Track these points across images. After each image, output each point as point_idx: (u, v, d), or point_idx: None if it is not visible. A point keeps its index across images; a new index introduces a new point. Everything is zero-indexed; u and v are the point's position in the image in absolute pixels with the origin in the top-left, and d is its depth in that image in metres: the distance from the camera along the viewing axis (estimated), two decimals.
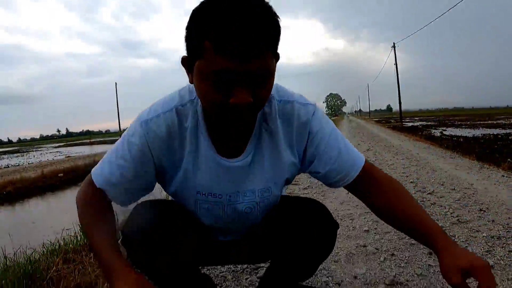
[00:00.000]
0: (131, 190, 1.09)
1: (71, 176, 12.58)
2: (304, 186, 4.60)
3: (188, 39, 0.87)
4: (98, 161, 1.13)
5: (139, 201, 1.18)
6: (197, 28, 0.84)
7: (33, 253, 2.83)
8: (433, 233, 1.04)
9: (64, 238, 3.30)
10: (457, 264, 0.95)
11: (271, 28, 0.84)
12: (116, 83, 42.38)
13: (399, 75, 31.60)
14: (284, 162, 1.12)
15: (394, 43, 32.61)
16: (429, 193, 3.73)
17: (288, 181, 1.19)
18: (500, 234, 2.33)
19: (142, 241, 1.07)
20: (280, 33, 0.87)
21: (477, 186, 3.98)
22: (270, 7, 0.85)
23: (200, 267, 1.39)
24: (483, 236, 2.32)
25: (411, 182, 4.47)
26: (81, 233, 3.34)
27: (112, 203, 1.12)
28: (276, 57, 0.90)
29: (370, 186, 1.15)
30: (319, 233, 1.18)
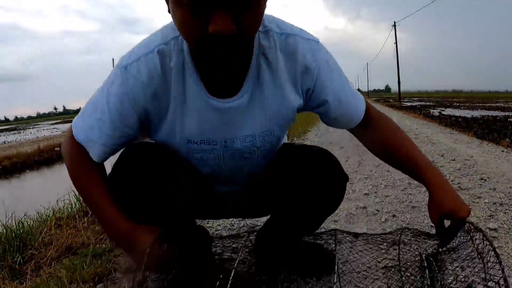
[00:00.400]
0: (110, 145, 1.00)
1: None
2: None
3: None
4: None
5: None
6: None
7: (26, 219, 2.79)
8: (426, 172, 1.08)
9: (58, 206, 3.27)
10: (440, 209, 1.05)
11: None
12: (113, 59, 42.00)
13: (398, 56, 31.40)
14: (289, 100, 1.01)
15: (394, 22, 32.29)
16: None
17: (291, 122, 1.10)
18: (502, 201, 2.28)
19: (130, 187, 0.98)
20: None
21: (477, 158, 3.94)
22: None
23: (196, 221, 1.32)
24: (485, 202, 2.27)
25: None
26: (75, 200, 3.30)
27: None
28: None
29: (367, 126, 1.16)
30: (327, 185, 1.10)
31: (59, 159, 11.59)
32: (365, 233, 1.16)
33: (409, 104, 29.93)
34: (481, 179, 2.94)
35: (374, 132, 1.16)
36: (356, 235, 1.17)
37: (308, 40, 1.00)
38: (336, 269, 1.13)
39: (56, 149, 12.54)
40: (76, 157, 1.03)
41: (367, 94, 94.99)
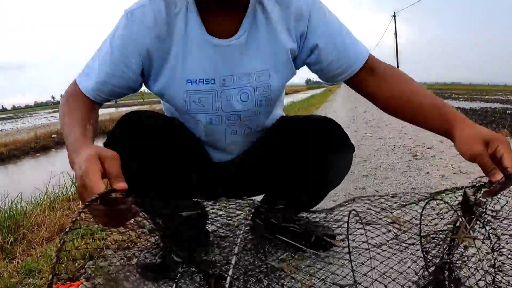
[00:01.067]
0: (105, 83, 0.99)
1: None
2: None
3: None
4: None
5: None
6: None
7: (20, 202, 2.78)
8: (448, 111, 0.93)
9: (54, 190, 3.25)
10: (479, 133, 0.83)
11: None
12: None
13: (398, 47, 31.32)
14: (282, 44, 1.03)
15: (394, 12, 32.06)
16: (428, 148, 3.66)
17: (289, 72, 1.08)
18: None
19: (128, 149, 0.94)
20: None
21: None
22: None
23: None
24: None
25: (410, 138, 4.40)
26: (70, 183, 3.28)
27: None
28: None
29: (375, 77, 1.06)
30: (333, 155, 1.08)
31: (56, 146, 11.58)
32: (386, 194, 0.99)
33: None
34: None
35: (384, 83, 1.05)
36: (372, 199, 0.99)
37: None
38: (348, 245, 1.08)
39: (52, 136, 12.43)
40: (69, 93, 1.01)
41: None
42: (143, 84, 1.07)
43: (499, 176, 0.77)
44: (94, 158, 0.67)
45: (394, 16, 32.01)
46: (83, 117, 0.93)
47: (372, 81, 1.06)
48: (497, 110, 13.21)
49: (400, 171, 2.63)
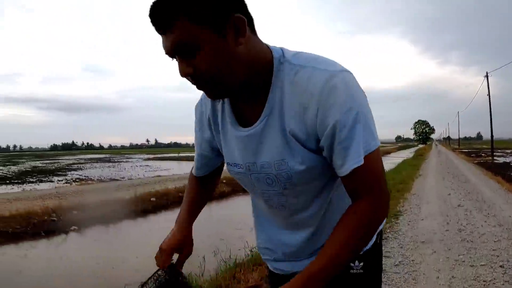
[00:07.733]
0: (201, 154, 1.26)
1: (163, 201, 13.06)
2: (396, 262, 4.40)
3: None
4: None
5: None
6: None
7: None
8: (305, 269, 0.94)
9: None
10: None
11: None
12: None
13: (491, 101, 29.52)
14: (292, 133, 0.96)
15: (487, 73, 30.68)
16: None
17: (306, 156, 0.98)
18: None
19: None
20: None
21: None
22: None
23: None
24: None
25: (501, 266, 4.02)
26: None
27: None
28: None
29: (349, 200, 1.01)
30: None
31: (154, 210, 12.24)
32: None
33: (502, 160, 25.95)
34: None
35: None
36: None
37: (322, 71, 0.91)
38: None
39: (152, 199, 12.90)
40: (189, 176, 1.37)
41: (458, 143, 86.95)
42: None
43: None
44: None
45: (487, 76, 30.22)
46: (191, 195, 1.31)
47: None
48: None
49: None
